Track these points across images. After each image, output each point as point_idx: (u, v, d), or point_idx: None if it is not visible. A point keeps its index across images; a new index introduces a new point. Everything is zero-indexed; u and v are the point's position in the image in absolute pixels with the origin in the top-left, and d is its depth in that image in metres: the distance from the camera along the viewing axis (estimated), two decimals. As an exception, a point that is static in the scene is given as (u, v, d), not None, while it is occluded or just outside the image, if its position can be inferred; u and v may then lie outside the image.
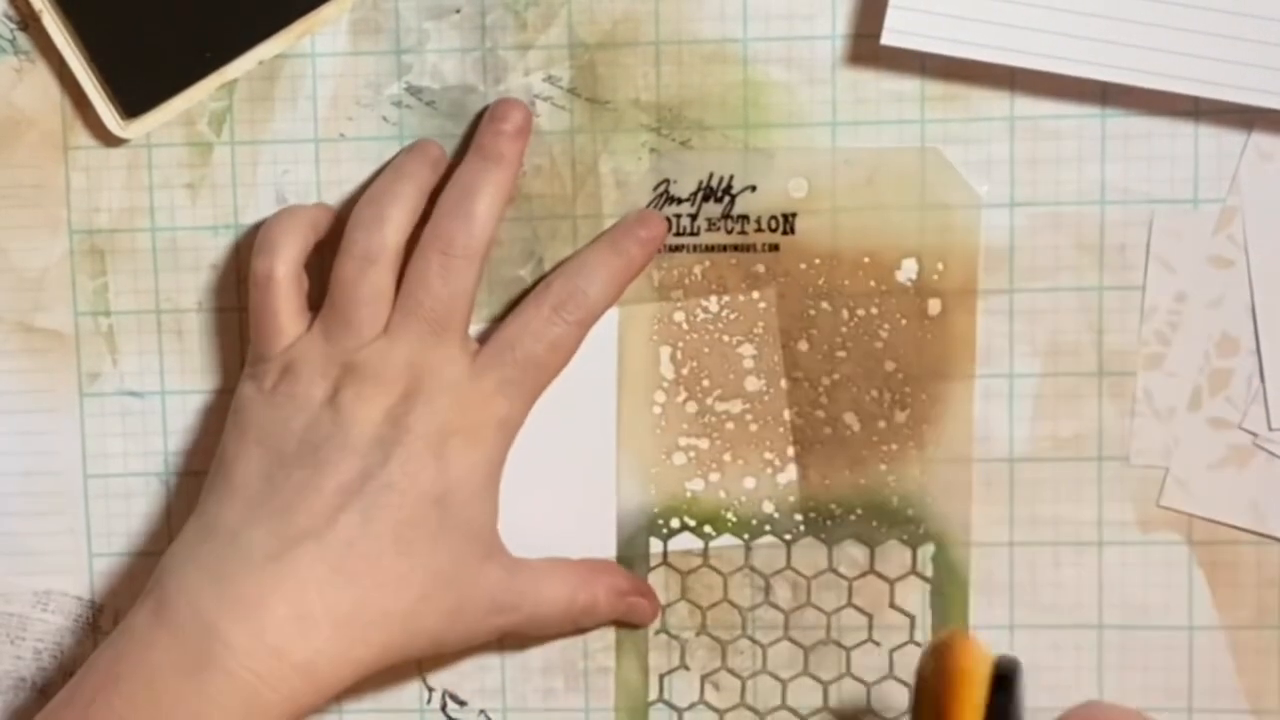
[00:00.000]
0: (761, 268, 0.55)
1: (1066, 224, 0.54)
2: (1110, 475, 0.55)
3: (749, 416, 0.55)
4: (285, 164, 0.56)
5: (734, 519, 0.56)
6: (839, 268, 0.55)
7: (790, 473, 0.55)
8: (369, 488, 0.51)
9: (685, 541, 0.56)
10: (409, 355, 0.52)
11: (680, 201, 0.55)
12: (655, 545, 0.56)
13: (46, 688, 0.58)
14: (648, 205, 0.55)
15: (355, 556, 0.50)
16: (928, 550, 0.55)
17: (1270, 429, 0.54)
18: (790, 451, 0.55)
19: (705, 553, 0.56)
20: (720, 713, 0.56)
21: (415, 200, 0.53)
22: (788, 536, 0.56)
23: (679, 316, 0.55)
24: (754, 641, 0.56)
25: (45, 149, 0.56)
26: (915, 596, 0.55)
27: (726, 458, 0.56)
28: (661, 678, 0.57)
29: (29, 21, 0.56)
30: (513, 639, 0.56)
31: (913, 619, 0.55)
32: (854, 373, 0.55)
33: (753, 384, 0.55)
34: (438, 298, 0.52)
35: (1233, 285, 0.54)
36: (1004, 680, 0.45)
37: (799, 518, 0.55)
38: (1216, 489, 0.54)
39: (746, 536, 0.56)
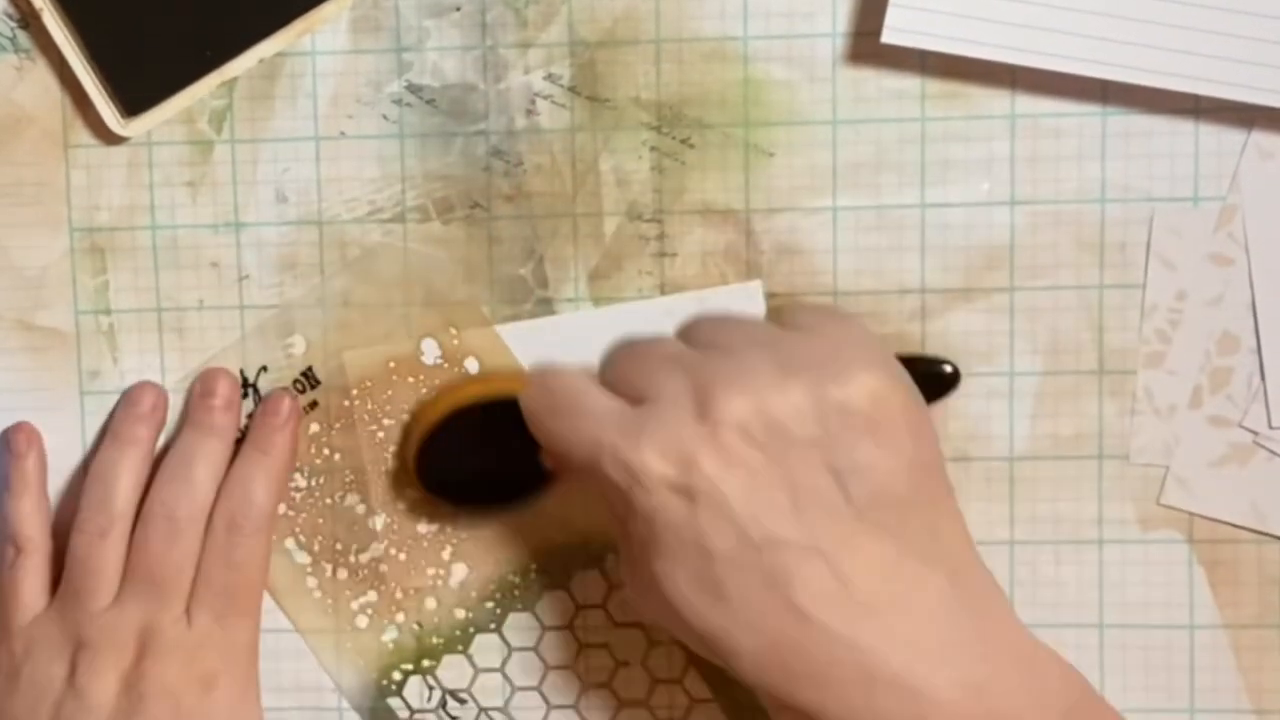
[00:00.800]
0: (316, 426, 0.56)
1: (1067, 222, 0.54)
2: (1111, 474, 0.55)
3: (393, 550, 0.57)
4: (286, 162, 0.56)
5: (440, 640, 0.57)
6: (375, 387, 0.56)
7: (458, 572, 0.56)
8: None
9: (416, 686, 0.57)
10: (137, 620, 0.54)
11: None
12: (396, 704, 0.57)
13: (47, 685, 0.58)
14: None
15: None
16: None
17: (1271, 427, 0.54)
18: (446, 555, 0.56)
19: (437, 681, 0.57)
20: None
21: (139, 465, 0.55)
22: (493, 625, 0.57)
23: (280, 509, 0.57)
24: None
25: (46, 147, 0.56)
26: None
27: (399, 595, 0.57)
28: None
29: (29, 20, 0.56)
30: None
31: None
32: None
33: (377, 522, 0.57)
34: (162, 563, 0.54)
35: (1233, 283, 0.54)
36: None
37: (490, 605, 0.57)
38: (1217, 487, 0.54)
39: (461, 648, 0.57)
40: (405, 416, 0.56)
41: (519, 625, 0.57)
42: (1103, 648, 0.55)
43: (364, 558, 0.57)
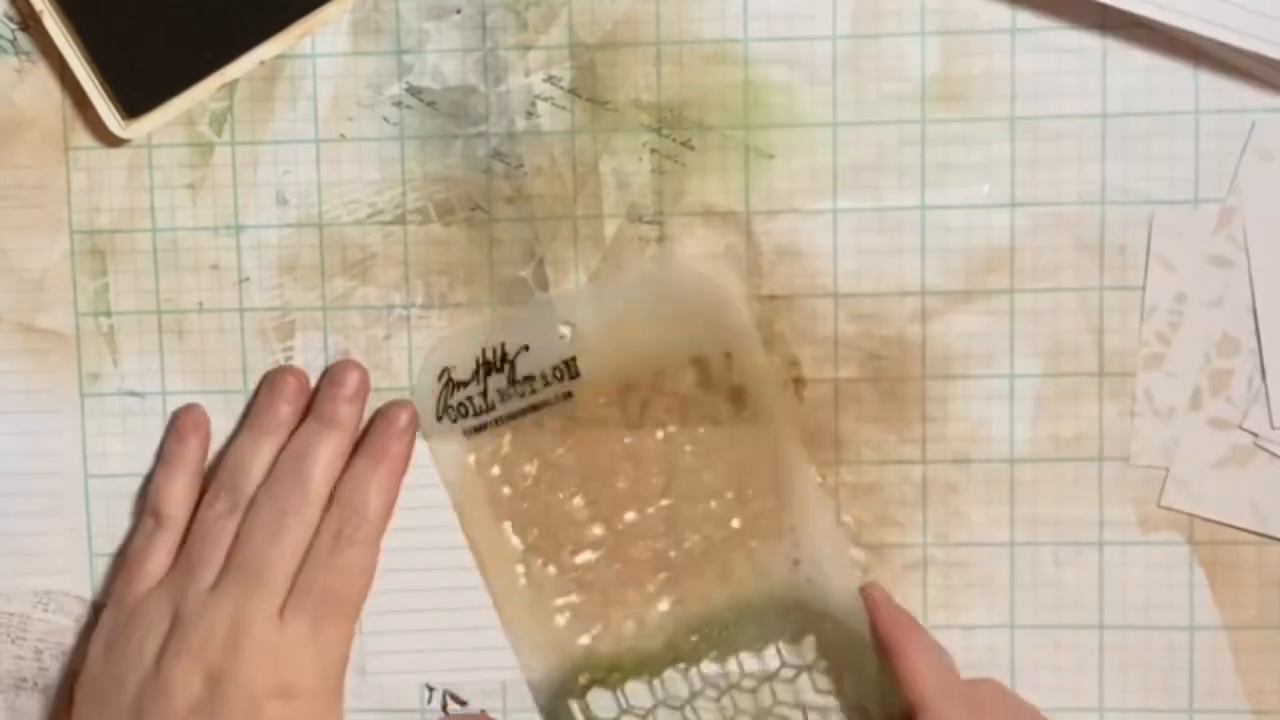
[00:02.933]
0: (560, 419, 0.56)
1: (1067, 224, 0.54)
2: (1111, 475, 0.55)
3: (606, 561, 0.56)
4: (286, 164, 0.56)
5: (634, 659, 0.56)
6: (633, 394, 0.55)
7: (667, 598, 0.56)
8: None
9: (598, 697, 0.57)
10: (229, 611, 0.53)
11: (465, 385, 0.56)
12: (576, 707, 0.57)
13: (48, 688, 0.58)
14: (435, 397, 0.56)
15: None
16: (816, 633, 0.56)
17: (1271, 429, 0.54)
18: (659, 579, 0.56)
19: (622, 700, 0.57)
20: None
21: (275, 453, 0.55)
22: (683, 664, 0.56)
23: (506, 490, 0.56)
24: None
25: (46, 149, 0.56)
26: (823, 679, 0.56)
27: (601, 605, 0.56)
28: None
29: (29, 22, 0.56)
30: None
31: (835, 689, 0.56)
32: (680, 490, 0.55)
33: (596, 530, 0.56)
34: (263, 554, 0.53)
35: (1233, 285, 0.54)
36: None
37: (694, 638, 0.56)
38: (1217, 489, 0.54)
39: (648, 676, 0.56)
40: (660, 434, 0.55)
41: (713, 669, 0.56)
42: (1103, 649, 0.55)
43: (577, 560, 0.56)
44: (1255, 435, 0.54)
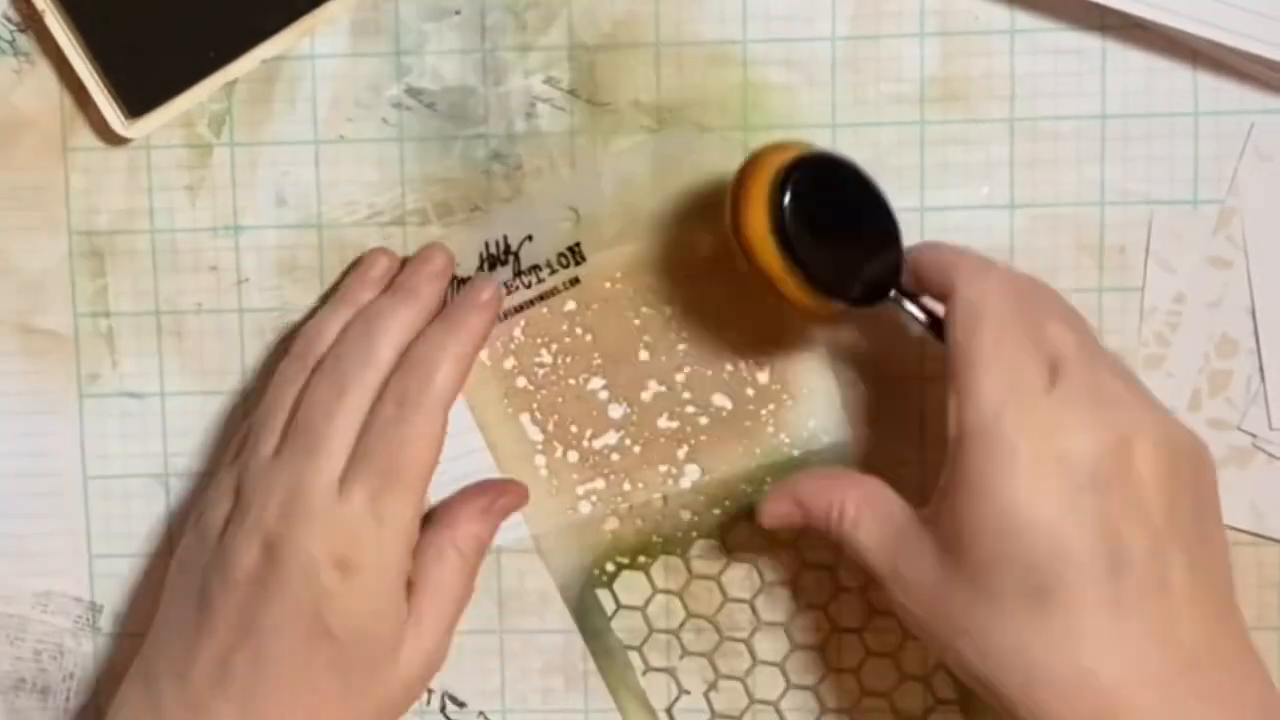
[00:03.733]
0: (572, 304, 0.55)
1: (1066, 225, 0.54)
2: (1110, 476, 0.55)
3: (628, 441, 0.56)
4: (285, 165, 0.56)
5: (660, 539, 0.56)
6: (642, 271, 0.55)
7: (691, 473, 0.56)
8: (254, 630, 0.50)
9: (627, 582, 0.56)
10: (287, 479, 0.51)
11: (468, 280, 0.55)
12: (604, 597, 0.57)
13: (47, 689, 0.58)
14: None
15: (258, 700, 0.50)
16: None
17: (1270, 430, 0.54)
18: (682, 454, 0.56)
19: (651, 582, 0.56)
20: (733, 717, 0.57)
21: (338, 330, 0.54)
22: (715, 532, 0.56)
23: (521, 382, 0.56)
24: (736, 641, 0.56)
25: (45, 150, 0.56)
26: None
27: (626, 487, 0.56)
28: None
29: (30, 22, 0.56)
30: (512, 640, 0.57)
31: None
32: (701, 357, 0.55)
33: (616, 411, 0.56)
34: (322, 418, 0.51)
35: (1232, 286, 0.54)
36: (796, 167, 0.48)
37: (717, 511, 0.56)
38: (1216, 490, 0.54)
39: (679, 551, 0.56)
40: (667, 310, 0.54)
41: (743, 535, 0.56)
42: (1102, 650, 0.55)
43: (597, 444, 0.56)
44: (1254, 436, 0.54)
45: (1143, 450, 0.45)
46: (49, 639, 0.58)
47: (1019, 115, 0.54)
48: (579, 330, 0.56)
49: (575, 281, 0.55)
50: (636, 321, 0.55)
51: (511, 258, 0.55)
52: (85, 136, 0.56)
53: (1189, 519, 0.46)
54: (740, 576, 0.56)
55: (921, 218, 0.54)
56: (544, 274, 0.55)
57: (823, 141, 0.54)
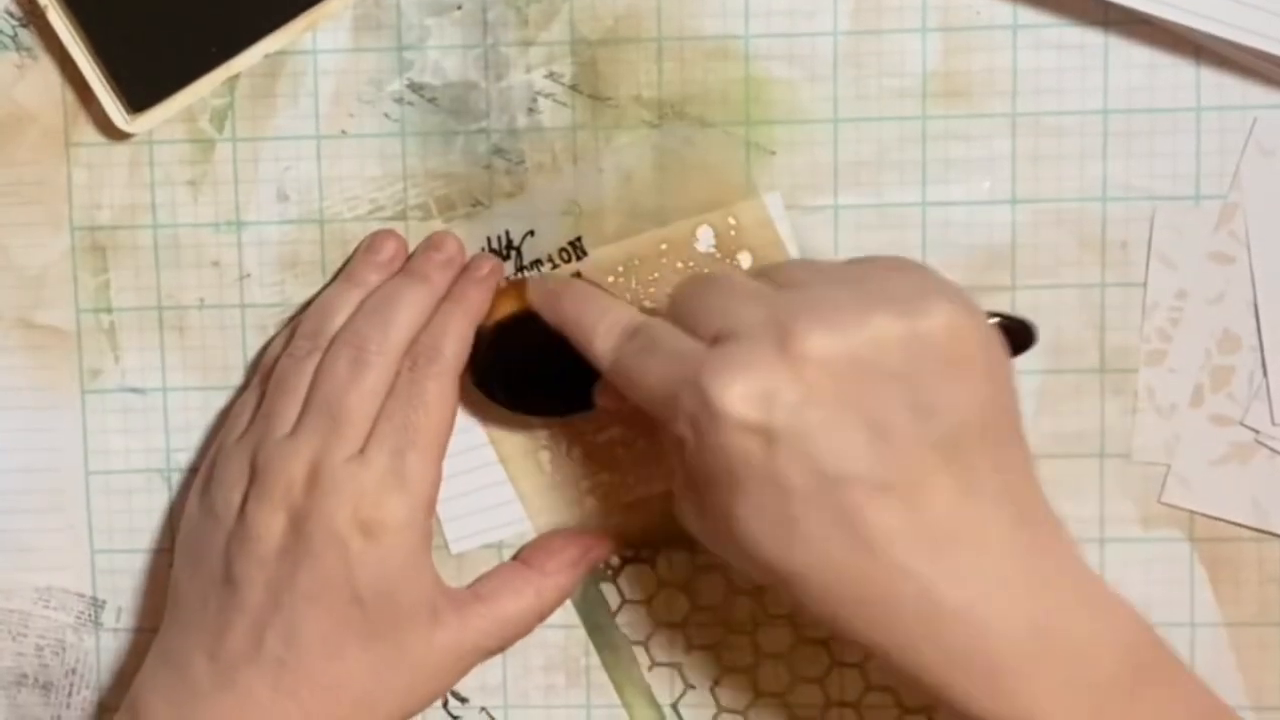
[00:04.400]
0: None
1: (1068, 221, 0.54)
2: (1112, 472, 0.55)
3: (632, 434, 0.56)
4: (287, 161, 0.56)
5: (665, 532, 0.56)
6: (642, 266, 0.55)
7: None
8: (284, 602, 0.51)
9: (632, 575, 0.56)
10: (309, 454, 0.51)
11: None
12: (609, 591, 0.57)
13: (48, 684, 0.58)
14: None
15: (289, 672, 0.51)
16: None
17: (1272, 425, 0.54)
18: None
19: (656, 575, 0.56)
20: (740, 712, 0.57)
21: (359, 302, 0.54)
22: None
23: None
24: (741, 634, 0.56)
25: (47, 146, 0.56)
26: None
27: (631, 479, 0.56)
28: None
29: (32, 17, 0.56)
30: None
31: None
32: None
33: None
34: (343, 393, 0.52)
35: (1234, 281, 0.54)
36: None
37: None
38: (1218, 485, 0.54)
39: (684, 544, 0.56)
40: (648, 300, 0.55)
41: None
42: (1104, 646, 0.55)
43: (600, 438, 0.56)
44: (1256, 432, 0.54)
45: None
46: (51, 634, 0.58)
47: (1021, 110, 0.54)
48: None
49: (578, 276, 0.55)
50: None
51: (513, 252, 0.55)
52: (87, 132, 0.56)
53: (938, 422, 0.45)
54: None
55: (923, 213, 0.54)
56: (546, 268, 0.55)
57: (824, 137, 0.54)
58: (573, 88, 0.55)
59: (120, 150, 0.56)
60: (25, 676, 0.58)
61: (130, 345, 0.57)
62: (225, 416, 0.56)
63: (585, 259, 0.55)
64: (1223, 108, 0.53)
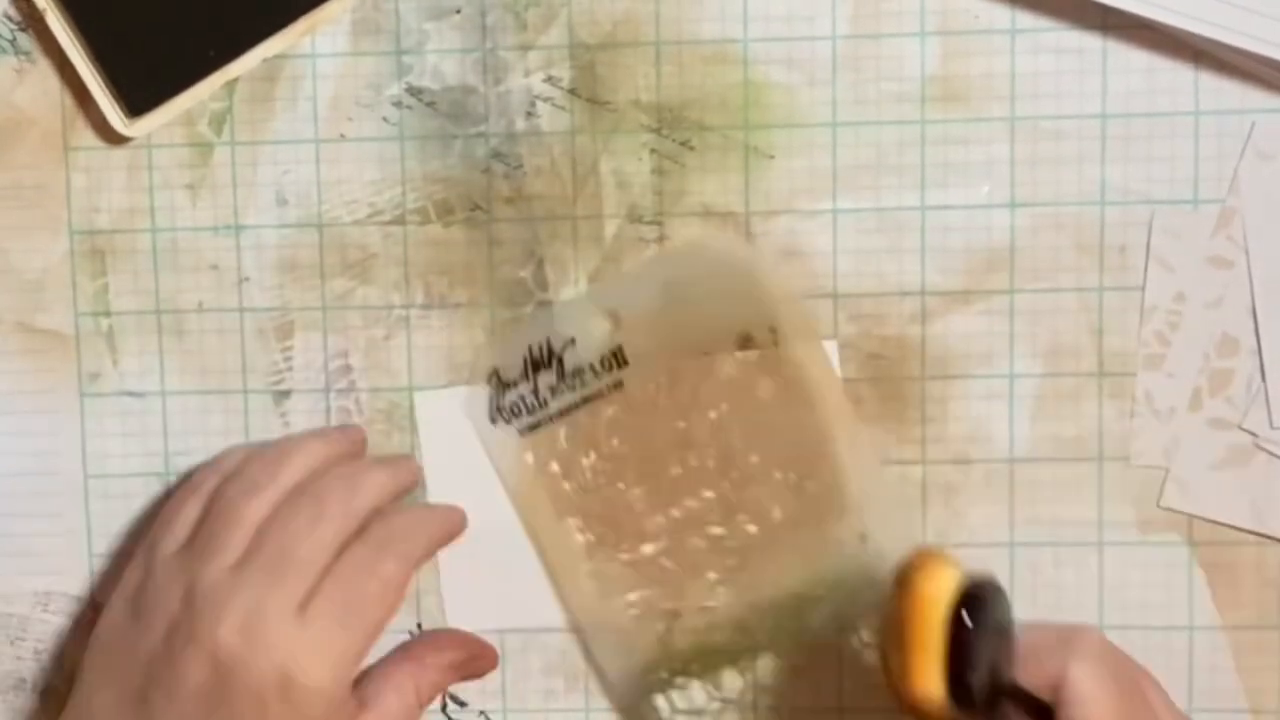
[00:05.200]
0: (612, 409, 0.55)
1: (1067, 225, 0.54)
2: (1110, 476, 0.55)
3: (667, 552, 0.55)
4: (285, 164, 0.56)
5: (709, 650, 0.56)
6: (683, 378, 0.55)
7: (731, 589, 0.55)
8: None
9: (682, 689, 0.56)
10: (248, 599, 0.50)
11: (515, 385, 0.56)
12: (660, 701, 0.56)
13: (47, 689, 0.58)
14: (487, 399, 0.56)
15: None
16: None
17: (1271, 429, 0.54)
18: (727, 564, 0.55)
19: (709, 689, 0.56)
20: None
21: (323, 454, 0.54)
22: (763, 651, 0.56)
23: (567, 486, 0.56)
24: None
25: (46, 150, 0.56)
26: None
27: (672, 597, 0.56)
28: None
29: (30, 21, 0.56)
30: (513, 640, 0.57)
31: None
32: (746, 465, 0.55)
33: (657, 520, 0.55)
34: (295, 542, 0.51)
35: (1232, 286, 0.54)
36: (971, 601, 0.45)
37: (770, 622, 0.55)
38: (1216, 489, 0.54)
39: (730, 663, 0.56)
40: (712, 414, 0.55)
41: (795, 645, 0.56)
42: (1102, 649, 0.55)
43: (642, 552, 0.56)
44: (1255, 435, 0.54)
45: None
46: (49, 639, 0.58)
47: (1020, 115, 0.54)
48: (619, 439, 0.55)
49: (619, 385, 0.55)
50: (681, 424, 0.55)
51: (555, 361, 0.55)
52: (86, 136, 0.56)
53: None
54: (804, 686, 0.56)
55: (922, 217, 0.54)
56: (588, 377, 0.55)
57: (823, 141, 0.54)
58: (571, 92, 0.55)
59: (119, 154, 0.56)
60: (24, 681, 0.58)
61: (129, 349, 0.57)
62: (160, 513, 0.55)
63: (627, 366, 0.55)
64: (1221, 112, 0.53)
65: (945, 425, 0.55)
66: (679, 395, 0.55)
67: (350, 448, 0.56)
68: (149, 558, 0.53)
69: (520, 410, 0.56)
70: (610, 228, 0.55)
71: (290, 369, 0.57)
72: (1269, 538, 0.54)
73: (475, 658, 0.56)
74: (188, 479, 0.56)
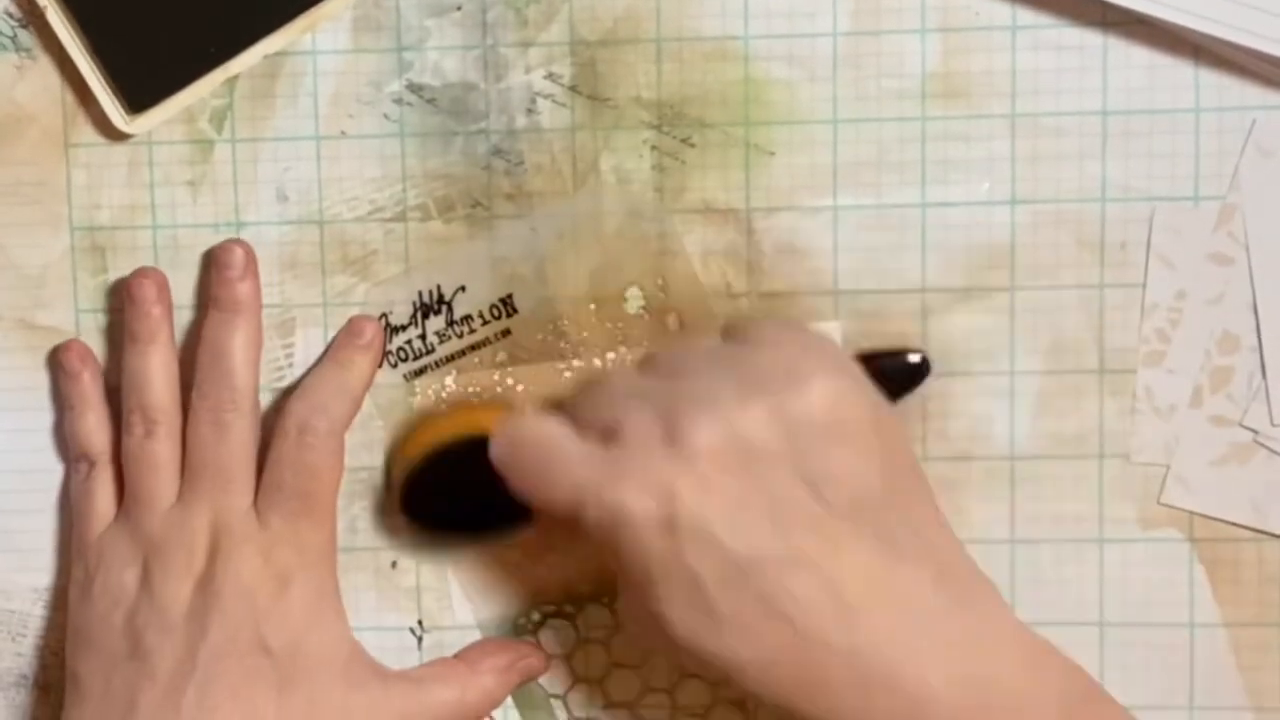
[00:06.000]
0: (503, 354, 0.55)
1: (1067, 221, 0.54)
2: (1111, 473, 0.55)
3: None
4: (286, 161, 0.56)
5: (588, 587, 0.56)
6: (572, 326, 0.55)
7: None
8: (197, 662, 0.51)
9: (554, 629, 0.56)
10: (205, 517, 0.53)
11: (404, 329, 0.56)
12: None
13: (48, 685, 0.58)
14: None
15: None
16: None
17: (1272, 426, 0.54)
18: None
19: (576, 630, 0.56)
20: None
21: (164, 360, 0.55)
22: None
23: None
24: (659, 691, 0.56)
25: (46, 146, 0.56)
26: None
27: (556, 534, 0.55)
28: None
29: (31, 18, 0.56)
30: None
31: None
32: None
33: None
34: (216, 454, 0.53)
35: (1233, 282, 0.54)
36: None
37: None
38: (1217, 486, 0.54)
39: (605, 599, 0.56)
40: (597, 363, 0.55)
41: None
42: (1103, 646, 0.55)
43: None
44: (1256, 432, 0.54)
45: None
46: (50, 635, 0.58)
47: (1020, 111, 0.54)
48: (510, 380, 0.56)
49: (507, 333, 0.56)
50: (568, 373, 0.55)
51: (445, 307, 0.56)
52: (86, 132, 0.56)
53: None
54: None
55: (923, 214, 0.54)
56: (476, 324, 0.56)
57: (824, 137, 0.54)
58: (572, 89, 0.55)
59: (119, 151, 0.56)
60: (25, 677, 0.58)
61: (130, 346, 0.57)
62: (68, 512, 0.57)
63: (516, 315, 0.55)
64: (1222, 108, 0.53)
65: (946, 422, 0.55)
66: (567, 343, 0.55)
67: (164, 320, 0.55)
68: (84, 546, 0.55)
69: (407, 355, 0.56)
70: (610, 224, 0.55)
71: (291, 365, 0.57)
72: (1270, 534, 0.54)
73: (525, 656, 0.56)
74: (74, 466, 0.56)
